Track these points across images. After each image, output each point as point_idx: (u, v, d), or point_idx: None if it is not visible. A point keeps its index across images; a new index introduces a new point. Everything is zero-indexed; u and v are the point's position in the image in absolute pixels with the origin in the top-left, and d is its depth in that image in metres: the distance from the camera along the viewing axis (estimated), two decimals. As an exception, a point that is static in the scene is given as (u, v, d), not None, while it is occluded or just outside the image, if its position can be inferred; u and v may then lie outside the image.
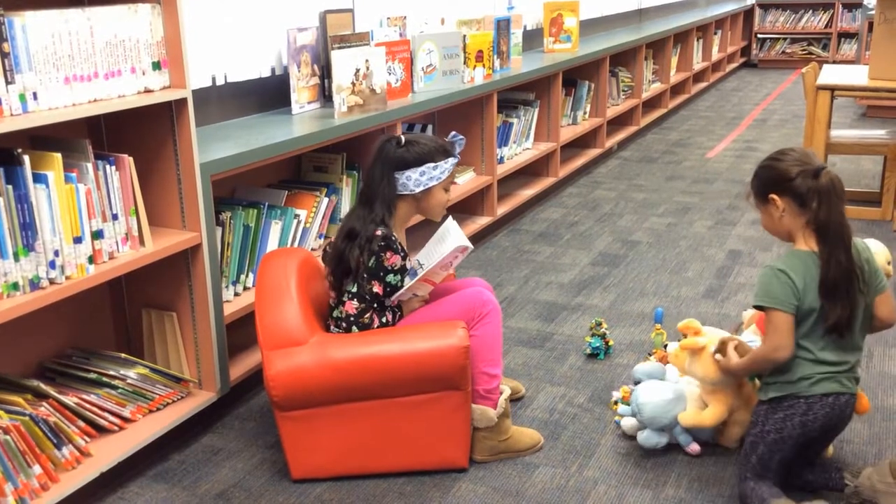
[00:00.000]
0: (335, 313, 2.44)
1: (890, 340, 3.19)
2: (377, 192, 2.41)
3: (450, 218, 2.66)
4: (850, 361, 2.21)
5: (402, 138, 2.44)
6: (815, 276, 2.16)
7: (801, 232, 2.21)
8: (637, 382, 2.68)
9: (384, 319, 2.42)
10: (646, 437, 2.47)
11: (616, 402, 2.65)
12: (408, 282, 2.48)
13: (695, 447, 2.47)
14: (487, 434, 2.44)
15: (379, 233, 2.36)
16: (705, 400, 2.44)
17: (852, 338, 2.20)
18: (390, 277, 2.39)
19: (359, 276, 2.38)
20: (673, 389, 2.49)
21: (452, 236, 2.52)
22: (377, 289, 2.38)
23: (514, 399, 2.78)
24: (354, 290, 2.39)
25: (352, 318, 2.38)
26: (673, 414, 2.44)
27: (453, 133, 2.57)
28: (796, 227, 2.22)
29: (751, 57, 11.43)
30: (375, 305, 2.40)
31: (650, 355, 2.92)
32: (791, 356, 2.17)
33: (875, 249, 2.45)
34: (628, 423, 2.55)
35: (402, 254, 2.40)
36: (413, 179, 2.42)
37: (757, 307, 2.21)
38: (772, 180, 2.24)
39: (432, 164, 2.43)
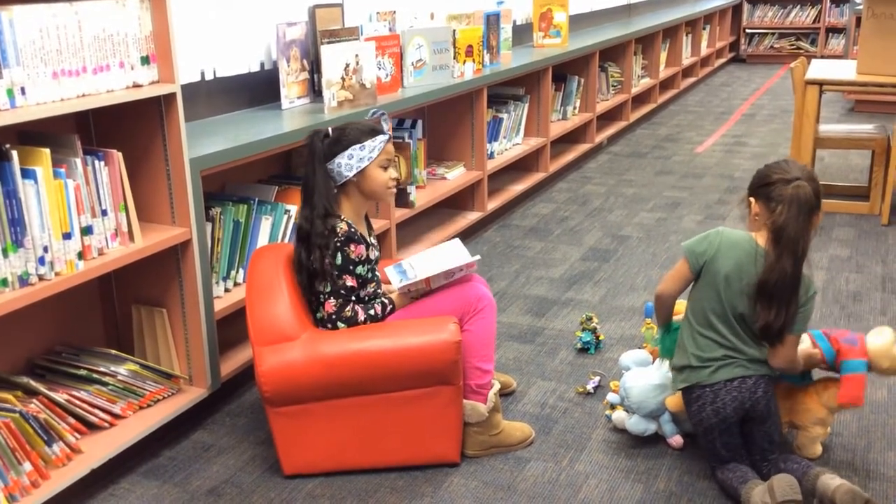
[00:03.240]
0: (318, 315, 2.42)
1: (878, 334, 3.20)
2: (313, 188, 2.39)
3: (457, 239, 2.68)
4: (751, 354, 2.25)
5: (329, 130, 2.43)
6: (741, 258, 2.24)
7: (762, 230, 2.27)
8: (626, 370, 2.69)
9: (372, 312, 2.42)
10: (634, 423, 2.49)
11: (612, 406, 2.64)
12: (400, 279, 2.49)
13: (678, 439, 2.49)
14: (478, 429, 2.45)
15: (339, 229, 2.36)
16: None
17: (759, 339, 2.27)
18: (360, 269, 2.39)
19: (328, 274, 2.37)
20: (660, 375, 2.51)
21: (462, 251, 2.55)
22: (350, 282, 2.38)
23: (506, 393, 2.78)
24: (329, 289, 2.38)
25: (333, 316, 2.38)
26: (660, 399, 2.46)
27: (373, 110, 2.58)
28: (761, 228, 2.28)
29: (739, 52, 11.47)
30: (353, 298, 2.40)
31: (641, 349, 2.92)
32: (664, 295, 2.40)
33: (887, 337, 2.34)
34: (619, 416, 2.56)
35: (364, 243, 2.40)
36: (344, 165, 2.40)
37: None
38: (755, 184, 2.31)
39: (359, 146, 2.41)
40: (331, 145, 2.41)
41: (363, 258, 2.39)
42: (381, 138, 2.45)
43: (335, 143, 2.41)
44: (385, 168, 2.46)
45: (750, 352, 2.26)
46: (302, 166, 2.45)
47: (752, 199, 2.30)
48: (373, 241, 2.54)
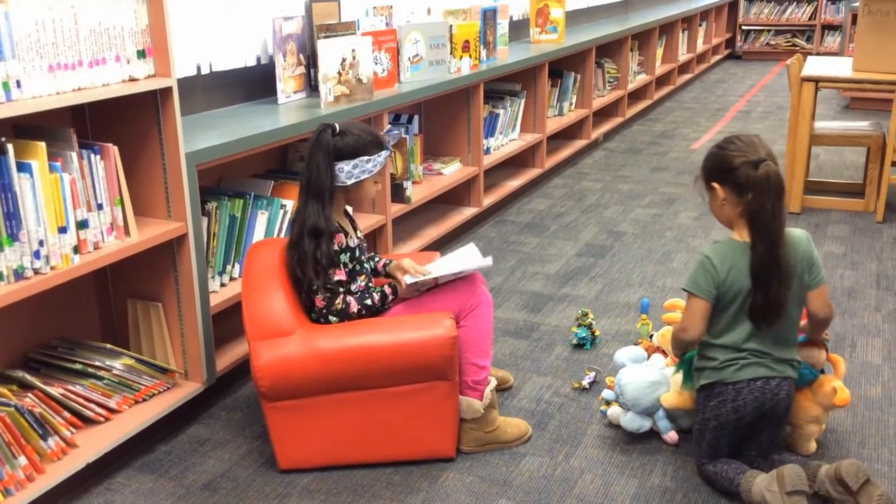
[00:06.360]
0: (312, 316, 2.43)
1: (872, 331, 3.22)
2: (323, 184, 2.36)
3: (472, 244, 2.71)
4: (776, 355, 2.24)
5: (337, 126, 2.39)
6: (744, 265, 2.20)
7: (737, 221, 2.26)
8: (621, 367, 2.69)
9: (368, 302, 2.42)
10: (629, 420, 2.49)
11: (607, 403, 2.64)
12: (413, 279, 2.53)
13: (673, 435, 2.49)
14: (474, 425, 2.45)
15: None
16: None
17: (779, 331, 2.24)
18: (343, 258, 2.39)
19: (318, 273, 2.37)
20: (655, 372, 2.51)
21: (477, 256, 2.58)
22: (339, 276, 2.38)
23: (502, 389, 2.79)
24: (315, 286, 2.38)
25: (324, 311, 2.38)
26: (655, 396, 2.46)
27: (389, 127, 2.57)
28: (734, 216, 2.26)
29: (735, 48, 11.47)
30: (341, 290, 2.40)
31: (636, 345, 2.92)
32: (696, 338, 2.27)
33: None
34: (614, 412, 2.56)
35: (342, 231, 2.40)
36: (345, 171, 2.38)
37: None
38: (715, 169, 2.27)
39: (366, 158, 2.40)
40: (339, 145, 2.37)
41: (343, 246, 2.39)
42: (385, 154, 2.46)
43: (344, 145, 2.37)
44: (376, 182, 2.50)
45: (775, 353, 2.24)
46: (306, 158, 2.41)
47: (716, 185, 2.25)
48: (359, 234, 2.56)
